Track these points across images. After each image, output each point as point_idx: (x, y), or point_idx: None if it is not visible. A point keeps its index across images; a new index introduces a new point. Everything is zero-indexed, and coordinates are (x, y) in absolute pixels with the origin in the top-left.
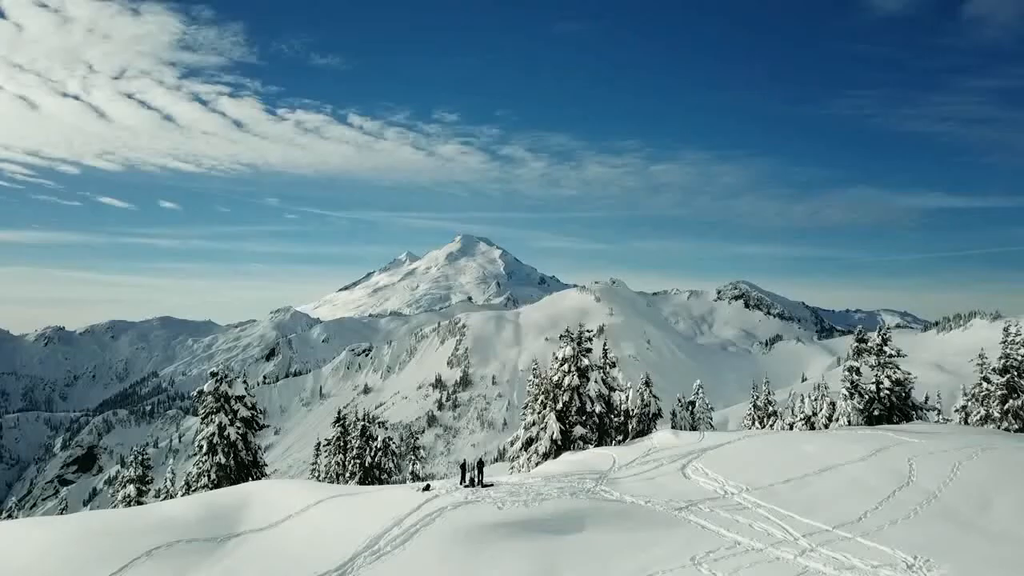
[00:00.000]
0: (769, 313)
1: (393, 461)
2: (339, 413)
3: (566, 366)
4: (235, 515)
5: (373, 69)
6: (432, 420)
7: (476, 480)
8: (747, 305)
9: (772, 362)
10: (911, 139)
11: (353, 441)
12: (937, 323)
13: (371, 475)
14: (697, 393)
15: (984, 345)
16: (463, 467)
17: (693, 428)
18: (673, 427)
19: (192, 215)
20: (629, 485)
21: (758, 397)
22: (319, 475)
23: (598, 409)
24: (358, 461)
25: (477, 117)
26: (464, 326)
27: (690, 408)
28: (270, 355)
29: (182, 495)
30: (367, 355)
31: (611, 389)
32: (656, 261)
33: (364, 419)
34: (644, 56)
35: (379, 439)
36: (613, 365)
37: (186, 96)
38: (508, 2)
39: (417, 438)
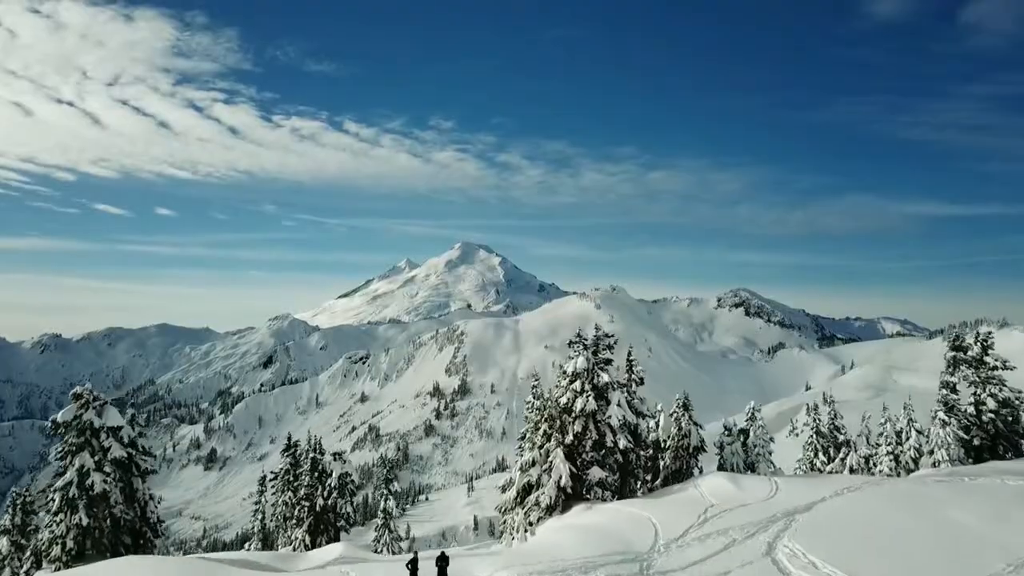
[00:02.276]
0: (770, 321)
1: (352, 503)
2: (288, 440)
3: (578, 384)
4: None
5: (368, 75)
6: (430, 429)
7: None
8: (747, 313)
9: (775, 370)
10: (909, 146)
11: (303, 477)
12: (942, 331)
13: (323, 521)
14: (751, 417)
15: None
16: (413, 566)
17: (748, 467)
18: (722, 466)
19: (189, 222)
20: None
21: (818, 419)
22: (263, 518)
23: (622, 443)
24: (307, 504)
25: (473, 124)
26: (463, 333)
27: (742, 438)
28: (268, 362)
29: (27, 571)
30: (364, 363)
31: (639, 415)
32: (655, 268)
33: (315, 448)
34: (640, 62)
35: (334, 475)
36: (641, 382)
37: (181, 103)
38: (504, 8)
39: (392, 470)
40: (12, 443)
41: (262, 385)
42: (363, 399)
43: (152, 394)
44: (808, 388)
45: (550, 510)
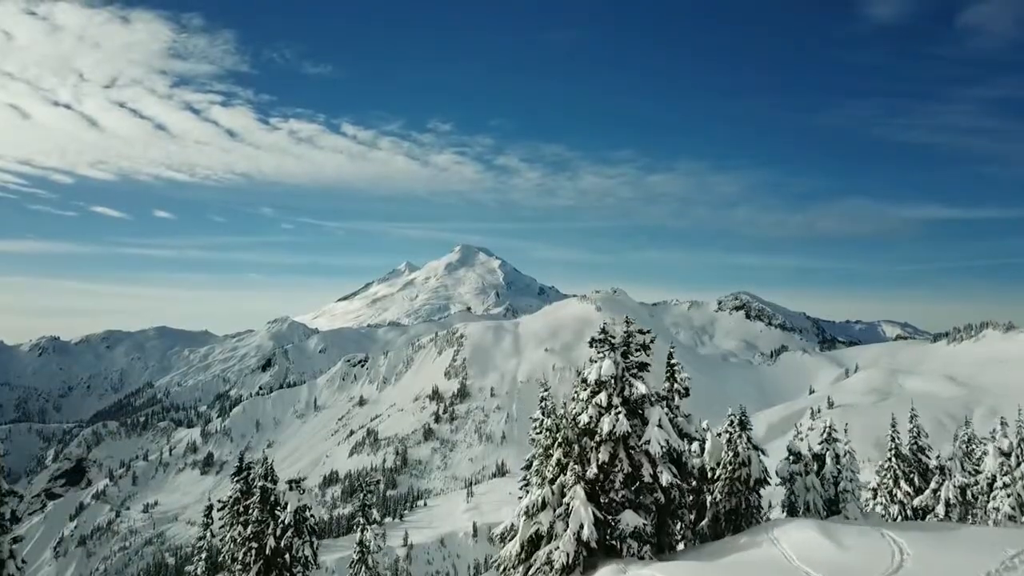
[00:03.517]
0: (770, 324)
1: (312, 543)
2: (240, 461)
3: (603, 396)
4: None
5: (366, 78)
6: (429, 433)
7: None
8: (748, 316)
9: (777, 374)
10: (908, 149)
11: (252, 510)
12: (947, 333)
13: (275, 566)
14: (827, 438)
15: (997, 357)
16: None
17: (829, 508)
18: (793, 506)
19: (187, 225)
20: None
21: (896, 437)
22: (207, 556)
23: (665, 478)
24: (255, 546)
25: (471, 127)
26: (462, 336)
27: (816, 467)
28: (267, 365)
29: None
30: (363, 366)
31: (686, 438)
32: (654, 271)
33: (267, 475)
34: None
35: (288, 509)
36: (686, 392)
37: (178, 105)
38: (502, 10)
39: (370, 490)
40: (9, 446)
41: (260, 388)
42: (361, 402)
43: (150, 397)
44: (811, 392)
45: (567, 572)
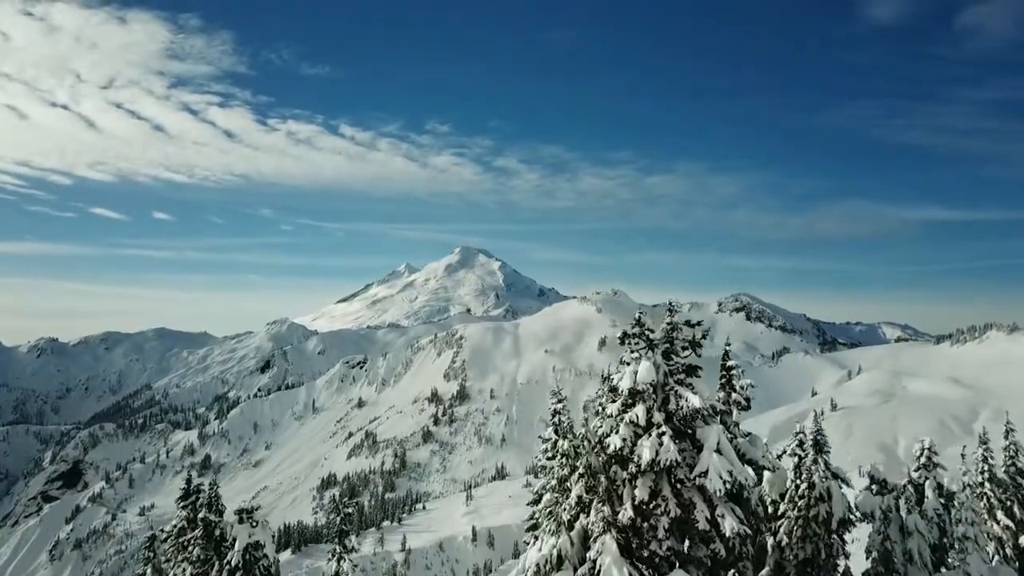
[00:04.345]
0: (771, 326)
1: None
2: (188, 485)
3: (640, 411)
4: None
5: (364, 79)
6: (428, 435)
7: None
8: (748, 317)
9: (779, 376)
10: (907, 151)
11: (193, 547)
12: (950, 335)
13: None
14: (927, 463)
15: (1002, 358)
16: None
17: (938, 558)
18: (887, 555)
19: (186, 226)
20: None
21: (989, 456)
22: None
23: (729, 525)
24: None
25: (470, 128)
26: (461, 338)
27: (916, 497)
28: (265, 367)
29: None
30: (362, 367)
31: (753, 466)
32: (654, 273)
33: (211, 505)
34: (638, 65)
35: (237, 546)
36: (747, 404)
37: (176, 106)
38: (500, 11)
39: (348, 512)
40: (7, 448)
41: (259, 390)
42: (360, 404)
43: (149, 399)
44: (814, 394)
45: None
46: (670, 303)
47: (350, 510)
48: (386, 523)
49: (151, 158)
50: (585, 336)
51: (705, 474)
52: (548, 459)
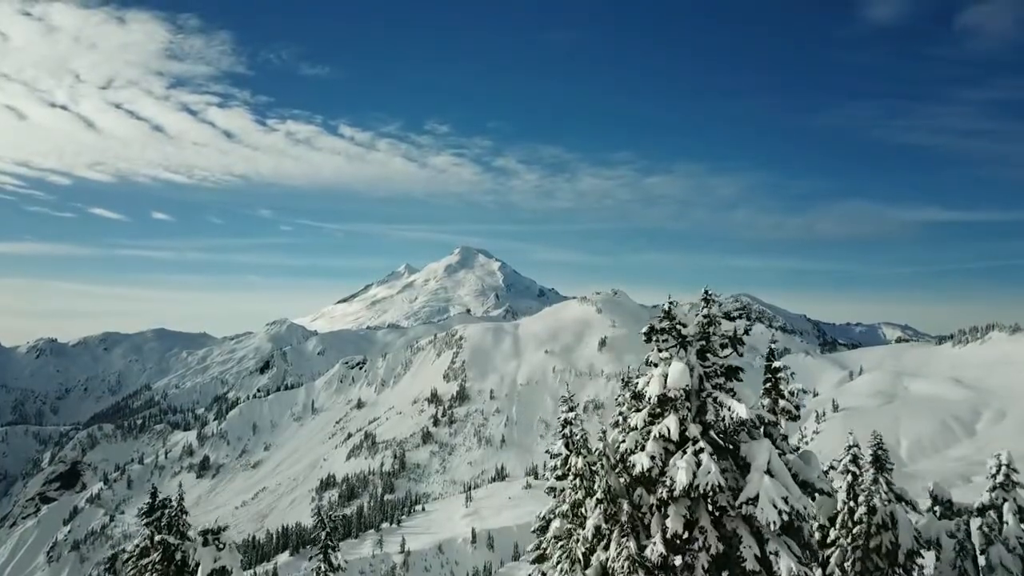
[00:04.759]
0: (771, 326)
1: None
2: (152, 497)
3: (671, 423)
4: None
5: (364, 79)
6: (427, 436)
7: None
8: (748, 318)
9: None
10: (906, 151)
11: (153, 572)
12: (951, 336)
13: None
14: (1004, 481)
15: (1004, 359)
16: None
17: None
18: None
19: (185, 227)
20: None
21: None
22: None
23: (785, 566)
24: None
25: (469, 128)
26: (461, 338)
27: (998, 523)
28: (265, 368)
29: None
30: (361, 368)
31: (810, 489)
32: (654, 273)
33: (172, 526)
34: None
35: (201, 570)
36: (796, 413)
37: (175, 106)
38: (499, 11)
39: (334, 526)
40: (5, 449)
41: (259, 390)
42: (360, 405)
43: (148, 399)
44: (815, 395)
45: None
46: (705, 291)
47: (335, 524)
48: (385, 525)
49: (150, 158)
50: (585, 336)
51: (754, 501)
52: (558, 478)
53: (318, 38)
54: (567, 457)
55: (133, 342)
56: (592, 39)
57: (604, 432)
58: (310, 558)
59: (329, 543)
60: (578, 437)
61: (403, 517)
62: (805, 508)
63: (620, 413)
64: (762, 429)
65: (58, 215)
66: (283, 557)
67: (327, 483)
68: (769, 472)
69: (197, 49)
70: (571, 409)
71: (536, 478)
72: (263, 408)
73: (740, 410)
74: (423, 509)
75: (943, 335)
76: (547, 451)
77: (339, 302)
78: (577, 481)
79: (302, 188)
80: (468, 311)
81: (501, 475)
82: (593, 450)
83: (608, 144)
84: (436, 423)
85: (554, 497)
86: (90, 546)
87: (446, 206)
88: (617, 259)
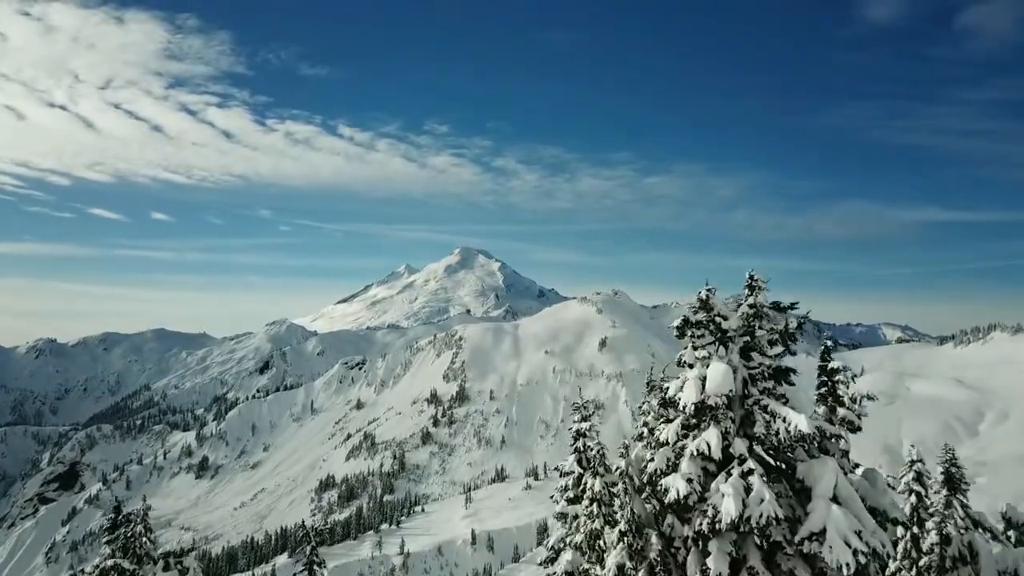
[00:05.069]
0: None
1: None
2: (116, 511)
3: (711, 438)
4: None
5: (363, 79)
6: (427, 437)
7: None
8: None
9: None
10: (906, 151)
11: None
12: (953, 336)
13: None
14: None
15: (1006, 359)
16: None
17: None
18: None
19: (185, 227)
20: None
21: None
22: None
23: None
24: None
25: (469, 128)
26: (461, 338)
27: None
28: (264, 368)
29: None
30: (361, 368)
31: (880, 518)
32: (653, 274)
33: (128, 549)
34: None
35: None
36: (858, 424)
37: (174, 106)
38: (499, 11)
39: (320, 540)
40: (4, 449)
41: (258, 391)
42: (359, 406)
43: (147, 400)
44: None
45: None
46: (751, 275)
47: (321, 537)
48: (384, 526)
49: (149, 159)
50: (585, 337)
51: (819, 536)
52: (569, 501)
53: (317, 38)
54: (581, 476)
55: (133, 342)
56: (592, 39)
57: (626, 447)
58: (294, 575)
59: (315, 558)
60: (594, 452)
61: (402, 518)
62: (884, 546)
63: (645, 424)
64: (816, 444)
65: (57, 215)
66: (282, 559)
67: (326, 484)
68: (836, 500)
69: (196, 49)
70: (585, 418)
71: (536, 479)
72: (262, 408)
73: (800, 422)
74: (422, 510)
75: (944, 335)
76: (557, 468)
77: (339, 302)
78: (594, 507)
79: (301, 188)
80: (468, 311)
81: (501, 476)
82: (613, 469)
83: (608, 144)
84: (436, 424)
85: (564, 524)
86: (88, 547)
87: (446, 206)
88: (617, 259)
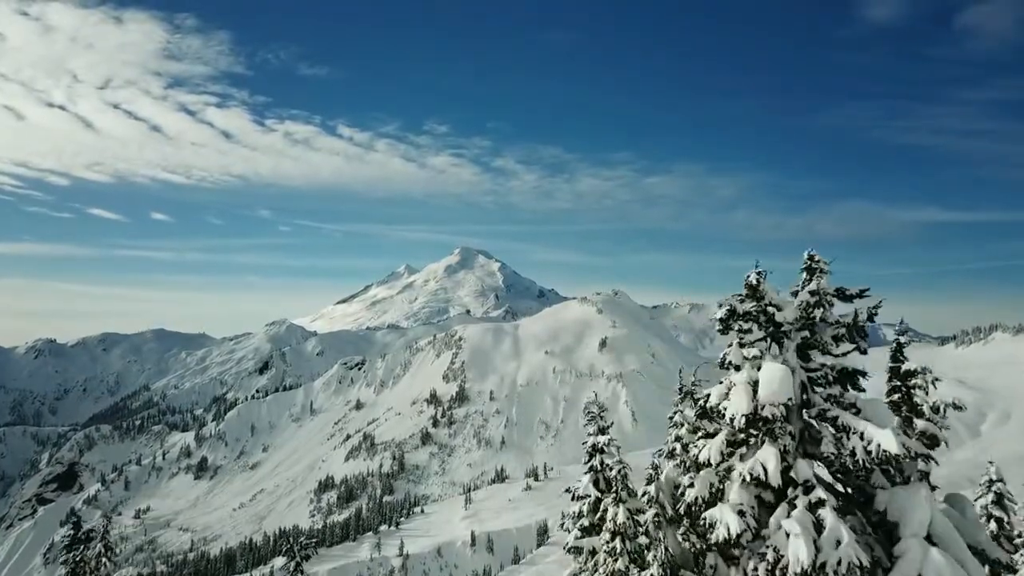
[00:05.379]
0: None
1: None
2: (76, 525)
3: (768, 459)
4: None
5: (362, 79)
6: (426, 437)
7: None
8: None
9: None
10: (906, 152)
11: None
12: (954, 336)
13: None
14: None
15: (1008, 359)
16: None
17: None
18: None
19: (185, 227)
20: None
21: None
22: None
23: None
24: None
25: (468, 129)
26: (461, 339)
27: None
28: (264, 368)
29: None
30: (360, 369)
31: (982, 559)
32: (653, 274)
33: (80, 571)
34: (637, 66)
35: None
36: (942, 437)
37: (173, 106)
38: (499, 11)
39: (307, 554)
40: (3, 450)
41: (258, 391)
42: (358, 406)
43: (146, 400)
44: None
45: None
46: (810, 255)
47: (306, 553)
48: (383, 527)
49: (148, 159)
50: (585, 337)
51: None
52: (584, 530)
53: (317, 38)
54: (599, 501)
55: (132, 342)
56: (592, 39)
57: (656, 468)
58: None
59: (301, 572)
60: (615, 473)
61: (402, 519)
62: None
63: (677, 438)
64: (891, 465)
65: (57, 215)
66: (280, 560)
67: (325, 485)
68: (931, 539)
69: (195, 49)
70: (602, 430)
71: (536, 480)
72: (261, 409)
73: (885, 440)
74: (422, 511)
75: (945, 336)
76: (568, 490)
77: (339, 303)
78: (617, 542)
79: (301, 188)
80: (468, 312)
81: (501, 477)
82: (637, 494)
83: (607, 144)
84: (435, 424)
85: (577, 559)
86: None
87: (445, 206)
88: (617, 259)
